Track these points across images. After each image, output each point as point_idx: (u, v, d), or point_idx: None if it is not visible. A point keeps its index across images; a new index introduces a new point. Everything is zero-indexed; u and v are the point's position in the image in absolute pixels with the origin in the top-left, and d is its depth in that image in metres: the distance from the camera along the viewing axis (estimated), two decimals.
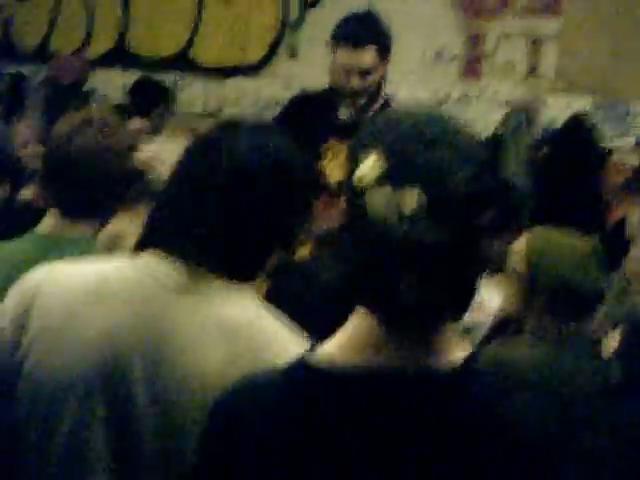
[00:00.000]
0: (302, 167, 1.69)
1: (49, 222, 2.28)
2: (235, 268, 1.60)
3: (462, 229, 1.34)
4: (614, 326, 3.44)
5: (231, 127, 1.68)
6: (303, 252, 3.59)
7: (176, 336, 1.53)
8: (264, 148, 1.63)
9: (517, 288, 2.66)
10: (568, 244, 2.62)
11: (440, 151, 1.36)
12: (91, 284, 1.58)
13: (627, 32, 4.88)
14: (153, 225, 1.66)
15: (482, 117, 5.29)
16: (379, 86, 3.56)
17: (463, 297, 1.38)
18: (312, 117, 3.63)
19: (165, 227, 1.62)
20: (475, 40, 5.26)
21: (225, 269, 1.59)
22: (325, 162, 3.59)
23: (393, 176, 1.34)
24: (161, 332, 1.53)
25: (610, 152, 4.90)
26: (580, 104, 5.00)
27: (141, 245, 1.64)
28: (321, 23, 5.57)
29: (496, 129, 5.23)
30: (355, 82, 3.44)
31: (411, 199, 1.34)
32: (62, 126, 2.30)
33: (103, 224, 2.29)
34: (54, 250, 2.12)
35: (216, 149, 1.63)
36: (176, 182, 1.67)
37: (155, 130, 5.30)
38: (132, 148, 2.31)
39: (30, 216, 2.44)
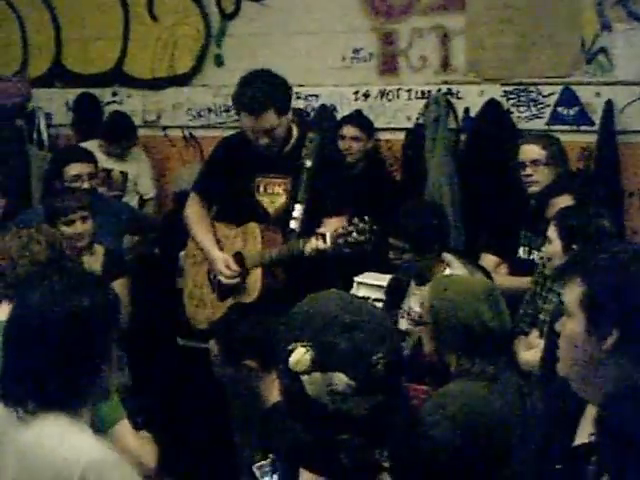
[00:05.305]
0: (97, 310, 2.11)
1: None
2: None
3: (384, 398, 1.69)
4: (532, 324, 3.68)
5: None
6: (254, 275, 3.88)
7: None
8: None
9: (428, 333, 2.93)
10: (464, 290, 2.85)
11: (358, 336, 1.69)
12: None
13: (527, 25, 5.14)
14: None
15: (403, 109, 5.57)
16: (289, 129, 3.80)
17: None
18: (237, 157, 3.90)
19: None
20: (388, 39, 5.50)
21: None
22: (259, 196, 3.87)
23: (320, 364, 1.68)
24: None
25: (522, 134, 5.19)
26: (491, 93, 5.28)
27: None
28: (241, 34, 5.82)
29: (417, 119, 5.51)
30: (263, 140, 3.76)
31: (338, 382, 1.68)
32: None
33: None
34: None
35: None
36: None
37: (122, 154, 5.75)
38: None
39: None
